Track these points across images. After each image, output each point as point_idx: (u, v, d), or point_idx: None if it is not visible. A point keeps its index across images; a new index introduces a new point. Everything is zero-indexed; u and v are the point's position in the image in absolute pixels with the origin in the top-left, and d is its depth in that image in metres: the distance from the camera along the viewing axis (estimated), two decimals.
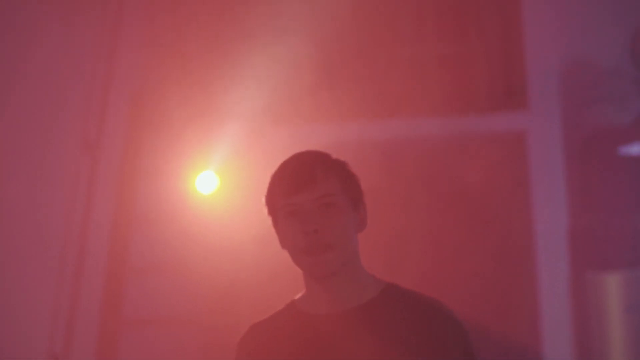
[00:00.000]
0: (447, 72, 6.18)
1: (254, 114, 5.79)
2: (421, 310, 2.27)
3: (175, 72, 6.10)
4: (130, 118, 6.14)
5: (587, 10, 6.05)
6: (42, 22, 5.23)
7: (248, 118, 5.77)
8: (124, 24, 6.03)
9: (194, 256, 5.48)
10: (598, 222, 5.76)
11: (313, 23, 5.94)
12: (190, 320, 5.68)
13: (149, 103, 6.16)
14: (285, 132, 6.01)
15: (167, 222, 5.83)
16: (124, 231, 5.96)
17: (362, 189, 2.34)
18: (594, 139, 5.89)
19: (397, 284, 2.32)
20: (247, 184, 5.09)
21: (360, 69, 6.20)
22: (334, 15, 6.02)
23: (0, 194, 4.75)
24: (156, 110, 6.08)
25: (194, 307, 5.68)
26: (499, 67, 6.20)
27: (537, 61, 6.00)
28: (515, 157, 6.01)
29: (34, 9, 5.16)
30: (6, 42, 4.97)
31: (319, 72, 6.11)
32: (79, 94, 5.63)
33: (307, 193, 2.22)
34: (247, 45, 5.84)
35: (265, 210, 2.34)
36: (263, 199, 2.35)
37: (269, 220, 2.34)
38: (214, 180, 5.63)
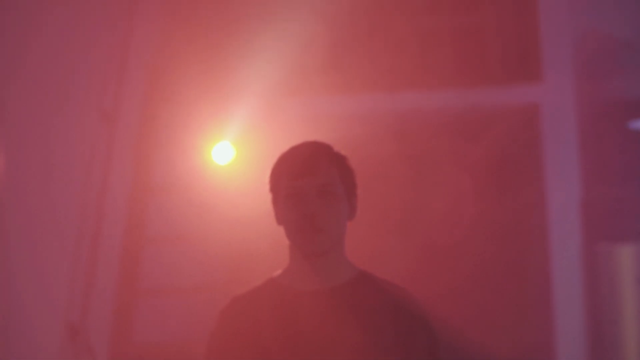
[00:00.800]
0: (461, 45, 6.17)
1: (269, 87, 5.81)
2: (391, 297, 2.47)
3: (192, 43, 6.10)
4: (147, 89, 6.16)
5: None
6: None
7: (263, 90, 5.80)
8: None
9: (210, 226, 5.50)
10: (611, 194, 5.76)
11: None
12: (206, 289, 5.70)
13: (166, 74, 6.17)
14: (299, 105, 6.03)
15: (183, 192, 5.87)
16: (140, 201, 5.98)
17: (356, 183, 2.54)
18: (608, 111, 5.88)
19: (371, 272, 2.53)
20: (262, 155, 5.10)
21: (374, 41, 6.18)
22: None
23: (19, 164, 4.76)
24: (173, 81, 6.09)
25: (210, 276, 5.71)
26: (513, 39, 6.18)
27: (551, 33, 5.98)
28: (529, 129, 6.01)
29: None
30: (23, 14, 4.97)
31: (333, 45, 6.10)
32: (97, 65, 5.63)
33: (310, 179, 2.43)
34: (262, 19, 5.84)
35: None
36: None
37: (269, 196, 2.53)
38: (230, 151, 5.67)
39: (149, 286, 5.85)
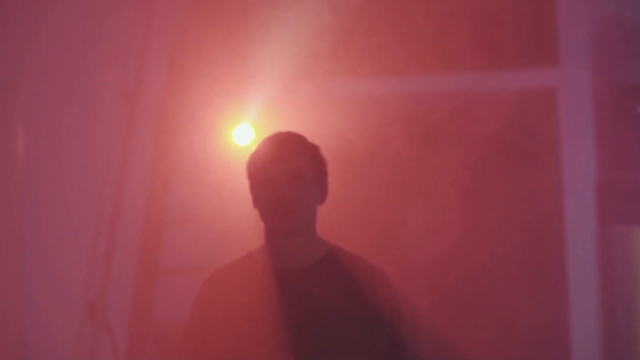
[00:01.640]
0: (478, 29, 6.16)
1: (286, 71, 5.85)
2: (360, 270, 2.67)
3: (213, 26, 6.11)
4: (168, 71, 6.19)
5: None
6: None
7: (281, 75, 5.84)
8: None
9: (231, 205, 5.53)
10: (626, 178, 5.76)
11: None
12: None
13: (186, 57, 6.20)
14: (315, 88, 6.06)
15: (203, 172, 5.91)
16: (161, 181, 6.01)
17: (328, 171, 2.74)
18: (625, 96, 5.87)
19: (340, 246, 2.73)
20: None
21: (390, 24, 6.18)
22: None
23: (40, 144, 4.75)
24: (193, 64, 6.11)
25: (229, 256, 5.72)
26: (531, 23, 6.16)
27: (568, 17, 5.95)
28: (545, 113, 6.01)
29: None
30: None
31: (348, 30, 6.11)
32: (118, 46, 5.63)
33: (282, 165, 2.64)
34: (279, 5, 5.85)
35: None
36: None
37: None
38: (250, 132, 5.73)
39: (168, 265, 5.90)
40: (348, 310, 2.58)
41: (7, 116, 4.50)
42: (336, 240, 2.76)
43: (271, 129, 2.69)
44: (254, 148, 2.80)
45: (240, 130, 5.75)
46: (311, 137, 2.81)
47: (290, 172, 2.63)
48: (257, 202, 2.69)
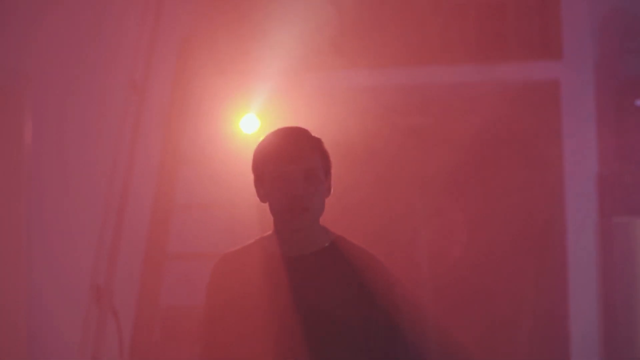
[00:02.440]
0: (484, 21, 6.17)
1: (291, 63, 5.89)
2: (361, 259, 2.76)
3: (221, 17, 6.14)
4: (176, 61, 6.22)
5: None
6: None
7: (286, 66, 5.88)
8: None
9: (237, 193, 5.55)
10: (627, 170, 5.79)
11: None
12: None
13: (195, 48, 6.23)
14: (319, 79, 6.09)
15: (212, 160, 5.96)
16: (169, 169, 6.05)
17: (331, 163, 2.80)
18: (627, 89, 5.88)
19: (344, 237, 2.83)
20: (285, 125, 5.17)
21: (394, 17, 6.20)
22: None
23: (49, 132, 4.72)
24: (202, 56, 6.15)
25: (236, 243, 5.72)
26: (535, 16, 6.17)
27: (572, 11, 5.98)
28: (548, 105, 6.03)
29: None
30: None
31: (356, 20, 6.13)
32: (127, 37, 5.64)
33: (296, 164, 2.70)
34: None
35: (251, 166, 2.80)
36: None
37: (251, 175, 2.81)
38: (255, 122, 5.79)
39: (175, 252, 5.94)
40: (351, 292, 2.68)
41: (16, 106, 4.49)
42: (338, 231, 2.84)
43: (276, 119, 2.74)
44: (259, 137, 2.84)
45: (246, 120, 5.82)
46: (314, 127, 2.86)
47: (305, 171, 2.70)
48: (269, 197, 2.74)
